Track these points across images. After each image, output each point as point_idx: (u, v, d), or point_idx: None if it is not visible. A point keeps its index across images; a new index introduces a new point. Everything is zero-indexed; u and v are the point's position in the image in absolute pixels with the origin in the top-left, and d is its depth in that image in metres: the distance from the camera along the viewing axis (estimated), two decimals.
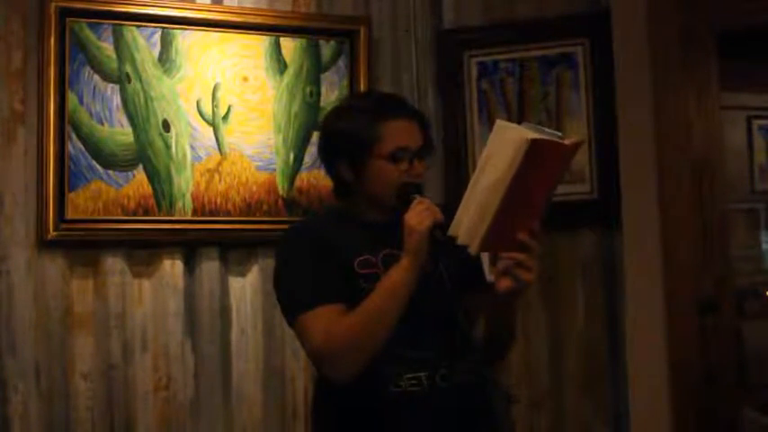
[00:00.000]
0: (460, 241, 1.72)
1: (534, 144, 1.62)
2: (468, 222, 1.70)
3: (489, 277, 1.85)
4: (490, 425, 1.89)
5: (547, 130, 1.69)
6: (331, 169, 2.01)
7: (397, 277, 1.81)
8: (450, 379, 1.88)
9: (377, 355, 1.80)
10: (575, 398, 3.14)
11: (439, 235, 1.79)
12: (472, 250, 1.71)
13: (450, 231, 1.74)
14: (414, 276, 1.80)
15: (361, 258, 1.90)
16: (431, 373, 1.87)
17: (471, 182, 1.71)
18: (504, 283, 1.77)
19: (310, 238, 1.93)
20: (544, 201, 1.77)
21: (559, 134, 1.70)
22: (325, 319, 1.82)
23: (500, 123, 1.72)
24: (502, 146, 1.66)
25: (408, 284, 1.80)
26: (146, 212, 2.92)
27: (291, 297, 1.91)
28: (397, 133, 1.91)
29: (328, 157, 2.01)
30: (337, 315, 1.82)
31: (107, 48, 2.92)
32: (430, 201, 1.86)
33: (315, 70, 3.17)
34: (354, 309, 1.82)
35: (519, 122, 1.81)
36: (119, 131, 2.92)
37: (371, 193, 1.94)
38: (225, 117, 3.04)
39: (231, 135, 3.04)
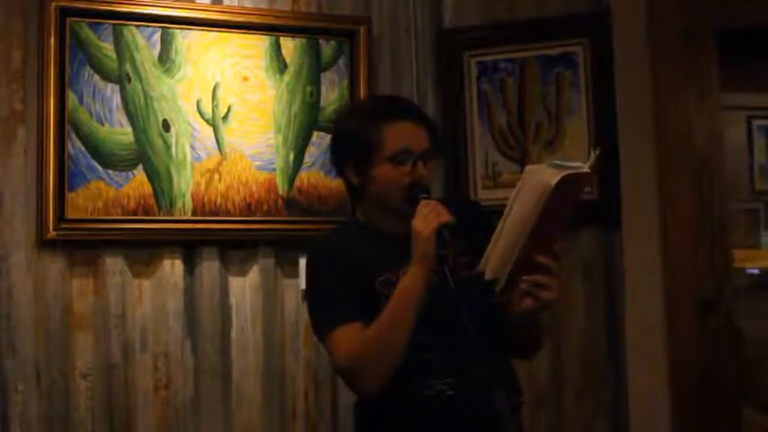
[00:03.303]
0: (488, 277, 1.76)
1: (555, 188, 1.66)
2: (495, 260, 1.75)
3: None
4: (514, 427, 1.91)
5: (567, 163, 1.72)
6: (339, 173, 2.03)
7: (407, 285, 1.82)
8: (473, 382, 1.88)
9: (400, 364, 1.82)
10: (574, 398, 3.14)
11: (446, 236, 1.79)
12: (498, 288, 1.75)
13: (480, 267, 1.77)
14: (423, 281, 1.81)
15: (382, 278, 1.91)
16: (458, 379, 1.88)
17: (501, 221, 1.75)
18: (527, 303, 1.80)
19: (330, 259, 1.96)
20: (565, 222, 1.81)
21: (580, 164, 1.73)
22: (346, 338, 1.85)
23: (529, 168, 1.76)
24: (528, 191, 1.71)
25: (418, 290, 1.81)
26: (146, 212, 2.92)
27: (316, 317, 1.96)
28: (399, 135, 1.91)
29: (336, 160, 2.03)
30: (357, 333, 1.85)
31: (107, 47, 2.92)
32: (436, 201, 1.87)
33: (315, 70, 3.17)
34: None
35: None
36: (119, 131, 2.92)
37: (378, 197, 1.95)
38: (225, 117, 3.04)
39: (231, 135, 3.04)
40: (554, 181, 1.65)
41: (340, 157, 2.01)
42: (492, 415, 1.79)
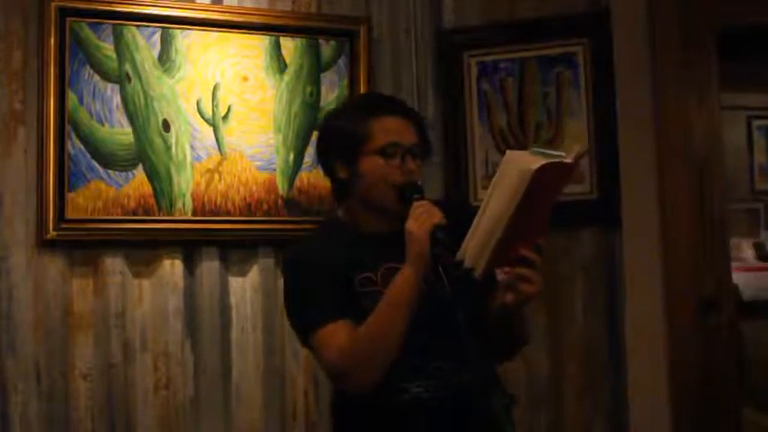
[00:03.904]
0: (467, 264, 1.74)
1: (536, 174, 1.64)
2: (474, 248, 1.73)
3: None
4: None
5: (550, 152, 1.71)
6: (327, 169, 2.03)
7: (400, 285, 1.82)
8: (458, 383, 1.88)
9: (391, 365, 1.82)
10: (574, 398, 3.14)
11: (440, 236, 1.79)
12: (476, 274, 1.74)
13: (459, 255, 1.76)
14: (418, 282, 1.81)
15: (362, 277, 1.90)
16: (441, 381, 1.88)
17: (480, 209, 1.74)
18: (509, 297, 1.80)
19: (309, 261, 1.95)
20: (547, 214, 1.80)
21: (562, 154, 1.72)
22: (336, 336, 1.84)
23: (509, 154, 1.75)
24: (507, 177, 1.69)
25: (412, 291, 1.81)
26: (146, 212, 2.92)
27: (300, 319, 1.94)
28: (388, 129, 1.93)
29: (324, 156, 2.03)
30: (347, 331, 1.84)
31: (107, 47, 2.92)
32: (428, 202, 1.87)
33: (315, 70, 3.17)
34: (362, 324, 1.83)
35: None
36: (119, 131, 2.92)
37: (365, 192, 1.94)
38: (225, 117, 3.04)
39: (231, 135, 3.04)
40: (534, 166, 1.64)
41: (328, 153, 2.00)
42: (489, 416, 1.79)
